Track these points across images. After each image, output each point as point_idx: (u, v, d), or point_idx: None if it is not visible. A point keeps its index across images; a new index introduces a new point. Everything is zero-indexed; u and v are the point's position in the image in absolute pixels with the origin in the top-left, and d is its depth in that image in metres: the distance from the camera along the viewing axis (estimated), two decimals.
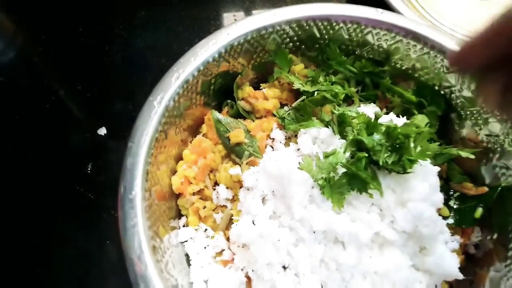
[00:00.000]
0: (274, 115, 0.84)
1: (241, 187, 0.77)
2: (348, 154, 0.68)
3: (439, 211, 0.72)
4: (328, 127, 0.76)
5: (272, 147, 0.81)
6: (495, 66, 0.46)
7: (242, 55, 0.84)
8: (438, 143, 0.69)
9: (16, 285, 0.89)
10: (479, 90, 0.50)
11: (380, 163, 0.65)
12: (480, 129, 0.78)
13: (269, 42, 0.84)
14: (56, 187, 0.97)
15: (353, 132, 0.71)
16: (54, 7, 1.25)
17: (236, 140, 0.79)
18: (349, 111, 0.75)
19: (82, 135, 1.05)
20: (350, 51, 0.87)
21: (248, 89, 0.88)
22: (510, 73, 0.46)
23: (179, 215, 0.81)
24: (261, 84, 0.90)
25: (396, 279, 0.64)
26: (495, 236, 0.74)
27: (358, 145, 0.68)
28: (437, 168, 0.70)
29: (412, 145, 0.66)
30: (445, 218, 0.76)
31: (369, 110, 0.79)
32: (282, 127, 0.82)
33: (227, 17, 1.27)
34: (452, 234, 0.74)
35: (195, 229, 0.78)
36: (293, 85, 0.83)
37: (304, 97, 0.82)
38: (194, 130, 0.86)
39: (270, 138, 0.82)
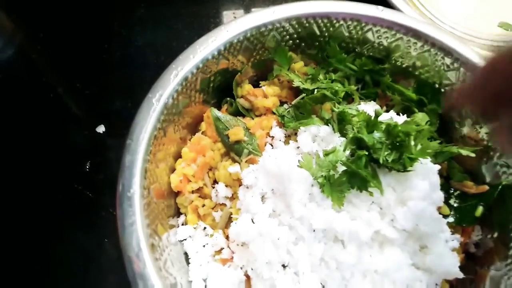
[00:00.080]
0: (274, 113, 0.84)
1: (240, 185, 0.76)
2: (348, 152, 0.68)
3: (439, 209, 0.72)
4: (328, 125, 0.75)
5: (272, 145, 0.80)
6: (495, 106, 0.46)
7: (242, 52, 0.84)
8: (438, 141, 0.69)
9: (15, 283, 0.89)
10: (491, 132, 0.49)
11: (380, 161, 0.64)
12: (481, 127, 0.78)
13: (268, 39, 0.84)
14: (54, 185, 0.97)
15: (353, 130, 0.70)
16: (52, 5, 1.24)
17: (235, 138, 0.78)
18: (349, 109, 0.75)
19: (81, 133, 1.04)
20: (350, 48, 0.87)
21: (247, 87, 0.87)
22: None
23: (178, 213, 0.81)
24: (260, 82, 0.90)
25: (396, 278, 0.64)
26: (495, 234, 0.74)
27: (358, 143, 0.68)
28: (438, 166, 0.70)
29: (412, 143, 0.66)
30: (445, 216, 0.75)
31: (369, 108, 0.79)
32: (281, 125, 0.82)
33: (226, 15, 1.26)
34: (453, 233, 0.74)
35: (194, 228, 0.78)
36: (293, 83, 0.82)
37: (304, 95, 0.81)
38: (193, 128, 0.86)
39: (269, 136, 0.82)
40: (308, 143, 0.74)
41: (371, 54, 0.86)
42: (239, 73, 0.87)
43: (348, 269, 0.64)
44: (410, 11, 1.08)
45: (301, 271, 0.65)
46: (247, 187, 0.74)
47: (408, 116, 0.77)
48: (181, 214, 0.81)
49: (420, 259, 0.67)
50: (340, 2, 0.83)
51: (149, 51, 1.17)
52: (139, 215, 0.65)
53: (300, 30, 0.84)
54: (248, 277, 0.71)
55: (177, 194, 0.80)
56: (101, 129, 1.03)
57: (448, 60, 0.79)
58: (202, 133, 0.85)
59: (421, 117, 0.79)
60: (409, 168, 0.65)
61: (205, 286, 0.72)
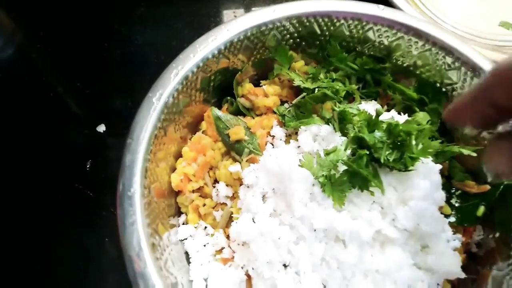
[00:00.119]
0: (274, 112, 0.84)
1: (241, 184, 0.76)
2: (349, 151, 0.68)
3: (441, 209, 0.71)
4: (329, 124, 0.75)
5: (272, 145, 0.80)
6: (498, 118, 0.45)
7: (242, 51, 0.83)
8: (439, 140, 0.68)
9: (15, 282, 0.89)
10: (486, 159, 0.49)
11: (382, 160, 0.64)
12: None
13: (269, 38, 0.84)
14: (54, 184, 0.97)
15: (354, 129, 0.70)
16: (52, 3, 1.24)
17: (236, 137, 0.78)
18: (350, 108, 0.74)
19: (81, 132, 1.04)
20: (351, 47, 0.87)
21: (248, 86, 0.87)
22: None
23: (178, 213, 0.81)
24: (261, 81, 0.89)
25: (398, 278, 0.64)
26: (497, 234, 0.74)
27: (359, 143, 0.68)
28: (439, 166, 0.70)
29: (413, 142, 0.65)
30: (446, 216, 0.75)
31: (370, 107, 0.78)
32: (282, 124, 0.81)
33: (227, 14, 1.26)
34: (454, 233, 0.73)
35: (195, 227, 0.78)
36: (294, 82, 0.82)
37: (304, 94, 0.81)
38: (194, 127, 0.86)
39: (270, 135, 0.81)
40: (309, 142, 0.74)
41: (372, 53, 0.86)
42: (239, 72, 0.87)
43: (349, 269, 0.64)
44: (411, 10, 1.07)
45: (302, 271, 0.65)
46: (248, 187, 0.74)
47: (409, 116, 0.77)
48: (182, 213, 0.81)
49: (422, 259, 0.67)
50: (341, 1, 0.83)
51: (149, 50, 1.16)
52: (140, 214, 0.65)
53: (300, 29, 0.84)
54: (249, 277, 0.71)
55: (177, 193, 0.80)
56: (101, 128, 1.03)
57: (449, 60, 0.79)
58: (203, 132, 0.85)
59: (422, 117, 0.79)
60: (410, 168, 0.65)
61: (206, 285, 0.72)
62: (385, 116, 0.71)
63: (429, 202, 0.65)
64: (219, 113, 0.82)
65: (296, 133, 0.78)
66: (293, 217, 0.67)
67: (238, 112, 0.87)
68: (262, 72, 0.90)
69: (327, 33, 0.85)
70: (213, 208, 0.79)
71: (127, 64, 1.15)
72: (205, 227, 0.77)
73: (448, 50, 0.78)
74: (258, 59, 0.87)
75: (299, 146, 0.75)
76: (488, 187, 0.76)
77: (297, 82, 0.81)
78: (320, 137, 0.74)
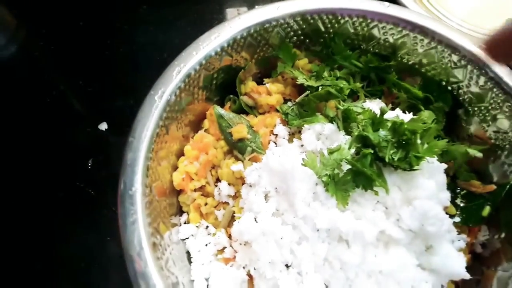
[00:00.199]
0: (278, 111, 0.83)
1: (243, 183, 0.75)
2: (353, 150, 0.67)
3: (445, 209, 0.70)
4: (332, 123, 0.74)
5: (275, 143, 0.80)
6: None
7: (245, 49, 0.83)
8: (445, 140, 0.68)
9: (17, 281, 0.88)
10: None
11: (386, 159, 0.63)
12: (488, 126, 0.77)
13: (272, 36, 0.83)
14: (56, 182, 0.97)
15: (358, 128, 0.69)
16: (55, 1, 1.24)
17: (238, 135, 0.77)
18: (354, 106, 0.74)
19: (83, 130, 1.04)
20: (356, 45, 0.86)
21: (251, 84, 0.86)
22: None
23: (180, 212, 0.80)
24: (264, 79, 0.89)
25: (402, 279, 0.63)
26: (502, 235, 0.73)
27: (363, 141, 0.67)
28: (444, 165, 0.69)
29: (419, 141, 0.65)
30: (451, 216, 0.74)
31: (375, 105, 0.77)
32: (285, 122, 0.81)
33: (230, 12, 1.26)
34: (459, 233, 0.73)
35: (197, 226, 0.77)
36: (297, 80, 0.81)
37: (308, 92, 0.80)
38: (196, 125, 0.85)
39: (273, 134, 0.81)
40: (312, 141, 0.73)
41: (376, 51, 0.85)
42: (242, 70, 0.86)
43: (353, 270, 0.63)
44: (416, 7, 1.06)
45: (304, 271, 0.64)
46: (250, 186, 0.73)
47: (414, 114, 0.76)
48: (184, 212, 0.80)
49: (426, 260, 0.66)
50: None
51: (152, 48, 1.16)
52: (141, 213, 0.64)
53: (304, 26, 0.83)
54: (250, 277, 0.70)
55: (179, 192, 0.80)
56: (103, 126, 1.03)
57: (455, 57, 0.78)
58: (205, 130, 0.84)
59: (427, 115, 0.78)
60: (416, 167, 0.64)
61: (207, 285, 0.71)
62: (390, 115, 0.70)
63: (434, 202, 0.64)
64: (221, 111, 0.81)
65: (300, 132, 0.78)
66: (296, 217, 0.66)
67: (241, 110, 0.86)
68: (265, 70, 0.90)
69: (331, 30, 0.84)
70: (215, 207, 0.78)
71: (130, 62, 1.15)
72: (207, 227, 0.77)
73: (454, 48, 0.77)
74: (261, 56, 0.87)
75: (302, 145, 0.74)
76: (494, 187, 0.75)
77: (301, 80, 0.81)
78: (323, 136, 0.73)
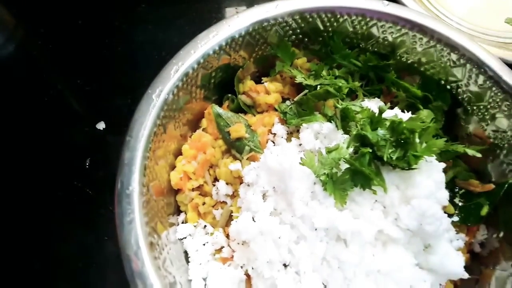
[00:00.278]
0: (276, 110, 0.83)
1: (241, 183, 0.75)
2: (351, 149, 0.67)
3: (444, 208, 0.70)
4: (331, 122, 0.74)
5: (274, 142, 0.79)
6: None
7: (244, 48, 0.82)
8: (444, 139, 0.67)
9: (14, 280, 0.88)
10: None
11: (385, 158, 0.63)
12: (487, 125, 0.76)
13: (271, 34, 0.83)
14: (54, 182, 0.96)
15: (356, 127, 0.69)
16: (54, 0, 1.23)
17: (236, 135, 0.77)
18: (353, 105, 0.73)
19: (81, 130, 1.04)
20: (355, 44, 0.86)
21: (249, 83, 0.86)
22: None
23: (178, 211, 0.80)
24: (262, 78, 0.88)
25: (400, 278, 0.63)
26: (501, 234, 0.73)
27: (361, 140, 0.67)
28: (443, 164, 0.68)
29: (417, 140, 0.64)
30: (450, 215, 0.74)
31: (373, 104, 0.77)
32: (283, 121, 0.80)
33: (229, 11, 1.25)
34: (457, 232, 0.73)
35: (194, 226, 0.77)
36: (296, 79, 0.81)
37: (306, 91, 0.80)
38: (194, 124, 0.85)
39: (271, 133, 0.81)
40: (310, 140, 0.73)
41: (375, 49, 0.85)
42: (240, 69, 0.85)
43: (351, 269, 0.63)
44: (415, 6, 1.06)
45: (302, 271, 0.64)
46: (248, 185, 0.73)
47: (413, 113, 0.75)
48: (181, 212, 0.80)
49: (424, 259, 0.66)
50: None
51: (151, 47, 1.16)
52: (138, 212, 0.64)
53: (303, 25, 0.83)
54: (248, 276, 0.70)
55: (177, 191, 0.79)
56: (101, 125, 1.03)
57: (454, 56, 0.77)
58: (203, 130, 0.84)
59: (426, 114, 0.77)
60: (414, 166, 0.64)
61: (205, 285, 0.71)
62: (389, 114, 0.70)
63: (432, 201, 0.64)
64: (219, 110, 0.81)
65: (298, 131, 0.77)
66: (294, 216, 0.66)
67: (239, 109, 0.86)
68: (263, 69, 0.89)
69: (330, 29, 0.84)
70: (213, 206, 0.78)
71: (128, 61, 1.15)
72: (205, 226, 0.77)
73: (453, 46, 0.77)
74: (259, 55, 0.86)
75: (300, 144, 0.74)
76: (492, 186, 0.75)
77: (299, 79, 0.80)
78: (322, 135, 0.73)
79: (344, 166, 0.65)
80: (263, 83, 0.87)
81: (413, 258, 0.64)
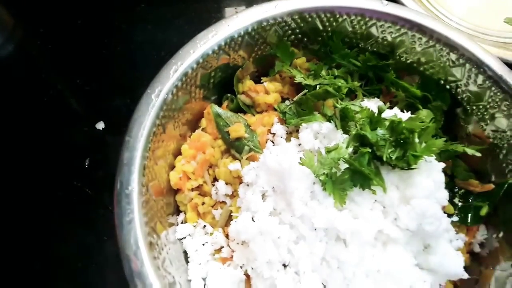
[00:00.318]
0: (275, 110, 0.83)
1: (240, 182, 0.75)
2: (350, 149, 0.67)
3: (443, 208, 0.70)
4: (330, 121, 0.74)
5: (273, 142, 0.79)
6: None
7: (243, 47, 0.82)
8: (444, 139, 0.67)
9: (14, 280, 0.88)
10: None
11: (384, 158, 0.63)
12: (487, 125, 0.76)
13: (270, 34, 0.82)
14: (53, 182, 0.96)
15: (356, 126, 0.69)
16: (53, 0, 1.23)
17: (236, 134, 0.77)
18: (352, 105, 0.73)
19: (80, 130, 1.03)
20: (354, 44, 0.85)
21: (248, 83, 0.86)
22: None
23: (177, 211, 0.80)
24: (262, 78, 0.88)
25: (400, 278, 0.63)
26: (500, 234, 0.73)
27: (361, 140, 0.67)
28: (442, 164, 0.68)
29: (417, 140, 0.64)
30: (450, 215, 0.74)
31: (373, 104, 0.77)
32: (283, 121, 0.80)
33: (228, 11, 1.25)
34: (457, 232, 0.73)
35: (194, 226, 0.77)
36: (295, 79, 0.81)
37: (306, 91, 0.80)
38: (193, 124, 0.85)
39: (271, 133, 0.80)
40: (310, 140, 0.73)
41: (375, 49, 0.85)
42: (240, 69, 0.85)
43: (350, 269, 0.63)
44: (414, 5, 1.06)
45: (302, 271, 0.64)
46: (248, 185, 0.73)
47: (412, 113, 0.75)
48: (181, 212, 0.80)
49: (424, 259, 0.66)
50: None
51: (150, 46, 1.16)
52: (137, 212, 0.64)
53: (302, 24, 0.83)
54: (248, 276, 0.70)
55: (176, 191, 0.79)
56: (100, 125, 1.03)
57: (453, 56, 0.77)
58: (202, 129, 0.84)
59: (425, 114, 0.77)
60: (413, 166, 0.64)
61: (205, 285, 0.71)
62: (388, 114, 0.70)
63: (432, 201, 0.64)
64: (219, 110, 0.81)
65: (297, 131, 0.77)
66: (293, 216, 0.66)
67: (238, 109, 0.86)
68: (263, 69, 0.89)
69: (329, 29, 0.84)
70: (212, 206, 0.78)
71: (127, 61, 1.14)
72: (204, 226, 0.77)
73: (452, 46, 0.77)
74: (259, 55, 0.86)
75: (300, 144, 0.74)
76: (492, 186, 0.75)
77: (299, 79, 0.80)
78: (321, 135, 0.73)
79: (343, 166, 0.65)
80: (262, 83, 0.87)
81: (412, 258, 0.64)
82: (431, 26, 0.78)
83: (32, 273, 0.88)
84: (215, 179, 0.79)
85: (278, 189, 0.69)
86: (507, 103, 0.72)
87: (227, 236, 0.74)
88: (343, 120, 0.73)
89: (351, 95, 0.83)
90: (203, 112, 0.84)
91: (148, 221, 0.65)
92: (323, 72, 0.82)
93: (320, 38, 0.86)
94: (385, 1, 0.80)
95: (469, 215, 0.76)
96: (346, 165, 0.65)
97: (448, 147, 0.72)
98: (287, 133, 0.80)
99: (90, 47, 1.16)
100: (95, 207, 0.93)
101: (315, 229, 0.64)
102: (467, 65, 0.76)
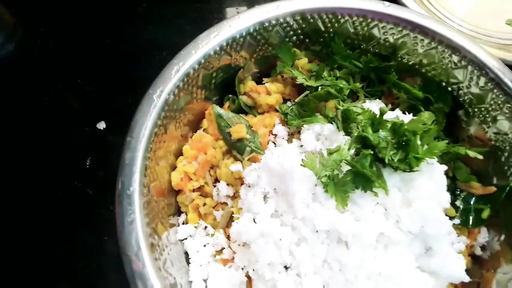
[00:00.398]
0: (277, 111, 0.83)
1: (242, 184, 0.75)
2: (352, 151, 0.66)
3: (445, 211, 0.70)
4: (332, 123, 0.74)
5: (275, 143, 0.79)
6: None
7: (245, 48, 0.82)
8: (446, 141, 0.67)
9: (15, 280, 0.88)
10: None
11: (386, 160, 0.63)
12: (488, 127, 0.76)
13: (272, 35, 0.82)
14: (54, 182, 0.96)
15: (358, 128, 0.69)
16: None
17: (237, 135, 0.77)
18: (354, 107, 0.73)
19: (81, 129, 1.03)
20: (356, 45, 0.85)
21: (250, 84, 0.86)
22: None
23: (178, 212, 0.80)
24: (263, 79, 0.88)
25: (401, 281, 0.63)
26: (502, 237, 0.73)
27: (363, 142, 0.67)
28: (444, 167, 0.68)
29: (419, 142, 0.64)
30: (451, 218, 0.74)
31: (375, 106, 0.77)
32: (284, 122, 0.80)
33: (230, 11, 1.25)
34: (458, 235, 0.72)
35: (195, 227, 0.77)
36: (297, 80, 0.80)
37: (307, 92, 0.80)
38: (195, 125, 0.85)
39: (272, 134, 0.80)
40: (311, 141, 0.72)
41: (376, 51, 0.85)
42: (241, 69, 0.85)
43: (352, 271, 0.63)
44: (416, 7, 1.06)
45: (303, 273, 0.64)
46: (249, 186, 0.73)
47: (414, 115, 0.75)
48: (182, 212, 0.80)
49: (425, 262, 0.66)
50: None
51: (151, 46, 1.15)
52: (139, 213, 0.64)
53: (304, 25, 0.83)
54: (249, 278, 0.70)
55: (177, 192, 0.79)
56: (101, 125, 1.02)
57: (455, 58, 0.77)
58: (204, 130, 0.84)
59: (427, 116, 0.77)
60: (415, 168, 0.64)
61: (206, 286, 0.71)
62: (390, 115, 0.70)
63: (434, 204, 0.64)
64: (220, 111, 0.80)
65: (299, 132, 0.77)
66: (295, 218, 0.65)
67: (240, 110, 0.86)
68: (264, 70, 0.89)
69: (331, 30, 0.84)
70: (214, 207, 0.78)
71: (129, 60, 1.14)
72: (205, 227, 0.76)
73: (454, 48, 0.77)
74: (260, 56, 0.86)
75: (301, 145, 0.74)
76: (494, 189, 0.75)
77: (300, 80, 0.80)
78: (323, 136, 0.73)
79: (345, 168, 0.65)
80: (264, 83, 0.86)
81: (414, 261, 0.64)
82: (433, 27, 0.78)
83: (33, 273, 0.88)
84: (217, 180, 0.79)
85: (279, 190, 0.69)
86: (509, 105, 0.72)
87: (228, 237, 0.74)
88: (345, 121, 0.73)
89: (353, 96, 0.83)
90: (204, 113, 0.84)
91: (149, 222, 0.65)
92: (325, 73, 0.82)
93: (322, 39, 0.85)
94: (387, 2, 0.80)
95: (471, 217, 0.75)
96: (348, 167, 0.65)
97: (450, 149, 0.72)
98: (288, 134, 0.80)
99: (91, 46, 1.16)
100: (95, 207, 0.93)
101: (317, 231, 0.64)
102: (469, 67, 0.76)
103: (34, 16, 1.22)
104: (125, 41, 1.17)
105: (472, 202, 0.76)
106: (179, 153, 0.80)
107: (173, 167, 0.79)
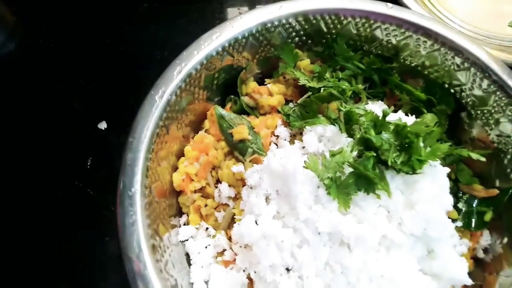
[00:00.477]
0: (279, 112, 0.82)
1: (244, 185, 0.75)
2: (355, 153, 0.66)
3: (447, 213, 0.70)
4: (334, 124, 0.74)
5: (277, 145, 0.79)
6: None
7: (247, 49, 0.82)
8: (448, 143, 0.67)
9: (15, 280, 0.88)
10: None
11: (389, 162, 0.63)
12: (491, 129, 0.76)
13: (274, 36, 0.82)
14: (55, 182, 0.96)
15: (360, 130, 0.68)
16: None
17: (239, 136, 0.77)
18: (357, 108, 0.73)
19: (82, 129, 1.03)
20: (358, 46, 0.85)
21: (252, 85, 0.86)
22: None
23: (179, 213, 0.80)
24: (265, 80, 0.88)
25: (403, 283, 0.62)
26: (505, 240, 0.72)
27: (365, 144, 0.66)
28: (447, 169, 0.68)
29: (421, 144, 0.64)
30: (453, 220, 0.73)
31: (377, 107, 0.77)
32: (287, 124, 0.80)
33: (231, 11, 1.25)
34: (461, 238, 0.72)
35: (196, 228, 0.77)
36: (299, 81, 0.80)
37: (310, 93, 0.80)
38: (197, 125, 0.84)
39: (274, 135, 0.80)
40: (314, 143, 0.72)
41: (379, 52, 0.85)
42: (243, 70, 0.85)
43: (354, 274, 0.63)
44: (419, 9, 1.06)
45: (305, 275, 0.63)
46: (251, 188, 0.72)
47: (416, 117, 0.75)
48: (183, 214, 0.80)
49: (428, 264, 0.66)
50: None
51: (153, 46, 1.15)
52: (140, 214, 0.64)
53: (307, 26, 0.82)
54: (250, 280, 0.69)
55: (179, 193, 0.79)
56: (102, 125, 1.02)
57: (458, 60, 0.77)
58: (206, 131, 0.83)
59: (430, 118, 0.77)
60: (418, 171, 0.63)
61: None
62: (392, 117, 0.70)
63: (437, 206, 0.64)
64: (222, 111, 0.80)
65: (301, 133, 0.77)
66: (297, 220, 0.65)
67: (242, 111, 0.86)
68: (267, 71, 0.89)
69: (333, 31, 0.83)
70: (215, 208, 0.78)
71: (130, 60, 1.14)
72: (207, 228, 0.76)
73: (457, 50, 0.77)
74: (263, 57, 0.86)
75: (304, 147, 0.73)
76: (496, 191, 0.74)
77: (303, 81, 0.80)
78: (325, 138, 0.73)
79: (348, 170, 0.65)
80: (266, 84, 0.86)
81: (416, 264, 0.64)
82: (436, 29, 0.78)
83: (33, 273, 0.88)
84: (218, 181, 0.79)
85: (282, 192, 0.68)
86: None
87: (229, 239, 0.74)
88: (348, 123, 0.72)
89: (355, 98, 0.83)
90: (206, 114, 0.84)
91: (150, 223, 0.65)
92: (327, 75, 0.82)
93: (324, 40, 0.85)
94: (390, 4, 0.80)
95: (473, 220, 0.75)
96: (351, 169, 0.64)
97: (453, 152, 0.71)
98: (290, 136, 0.80)
99: (93, 46, 1.16)
100: (96, 207, 0.92)
101: (319, 233, 0.63)
102: (472, 69, 0.76)
103: (35, 16, 1.22)
104: (127, 41, 1.17)
105: (474, 205, 0.76)
106: (180, 154, 0.80)
107: (175, 168, 0.79)
